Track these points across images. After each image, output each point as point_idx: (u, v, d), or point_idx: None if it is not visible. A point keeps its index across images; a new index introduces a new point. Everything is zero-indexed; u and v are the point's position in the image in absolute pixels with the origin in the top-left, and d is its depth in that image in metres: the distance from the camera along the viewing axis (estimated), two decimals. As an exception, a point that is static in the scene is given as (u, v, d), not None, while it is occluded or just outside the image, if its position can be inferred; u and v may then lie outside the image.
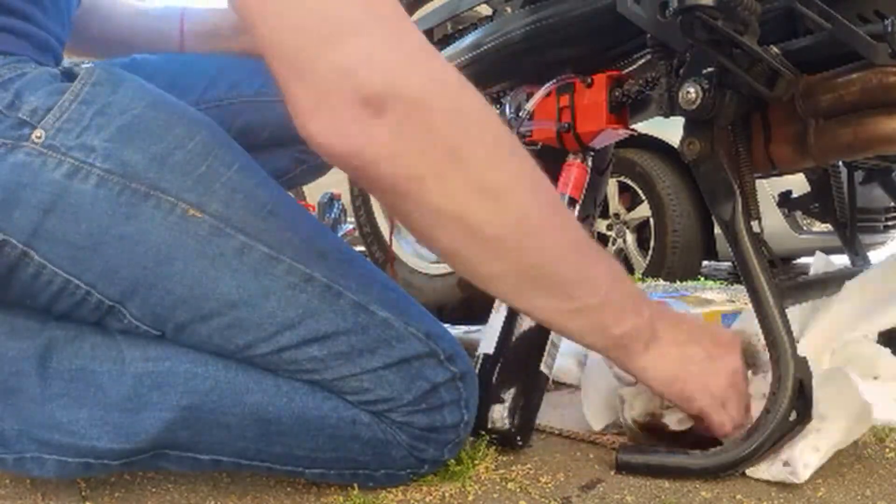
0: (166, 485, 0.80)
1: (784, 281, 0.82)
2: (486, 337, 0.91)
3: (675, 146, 0.86)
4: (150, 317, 0.72)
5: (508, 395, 0.87)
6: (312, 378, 0.73)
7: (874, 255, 1.74)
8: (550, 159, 0.99)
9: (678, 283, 2.57)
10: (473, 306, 1.40)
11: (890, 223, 3.25)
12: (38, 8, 0.79)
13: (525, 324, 0.89)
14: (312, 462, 0.75)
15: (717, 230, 2.98)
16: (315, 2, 0.60)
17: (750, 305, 0.80)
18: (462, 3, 1.19)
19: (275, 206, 0.74)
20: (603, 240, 3.38)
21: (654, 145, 3.02)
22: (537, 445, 0.89)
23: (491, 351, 0.89)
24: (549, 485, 0.77)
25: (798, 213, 2.93)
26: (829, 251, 1.08)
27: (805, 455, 0.75)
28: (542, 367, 0.90)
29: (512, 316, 0.90)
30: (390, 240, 1.54)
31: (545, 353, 0.90)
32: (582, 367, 1.04)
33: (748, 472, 0.76)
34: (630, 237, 3.30)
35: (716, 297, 1.90)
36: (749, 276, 0.79)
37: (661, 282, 2.68)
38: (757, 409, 0.78)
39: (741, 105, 0.82)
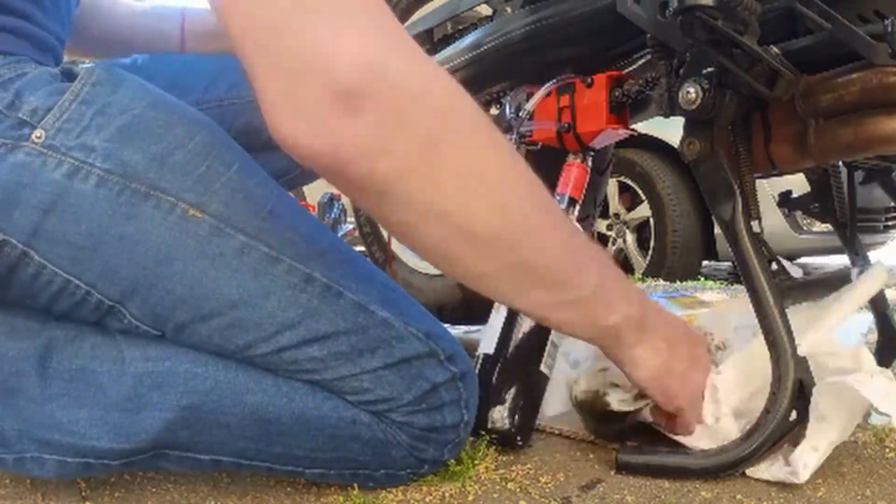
0: (166, 485, 0.80)
1: (784, 281, 0.82)
2: (486, 337, 0.91)
3: (675, 146, 0.86)
4: (150, 317, 0.72)
5: (508, 395, 0.87)
6: (312, 378, 0.73)
7: (874, 255, 1.74)
8: (550, 159, 1.00)
9: (678, 283, 2.57)
10: (473, 306, 1.40)
11: (890, 223, 3.25)
12: (38, 8, 0.78)
13: (525, 324, 0.89)
14: (312, 462, 0.75)
15: (717, 230, 2.98)
16: (287, 1, 0.57)
17: (725, 306, 0.80)
18: (462, 3, 1.19)
19: (275, 206, 0.74)
20: (603, 240, 3.38)
21: (654, 145, 3.03)
22: (537, 445, 0.89)
23: (491, 351, 0.89)
24: (549, 485, 0.77)
25: (798, 213, 2.93)
26: (829, 251, 1.08)
27: (805, 455, 0.75)
28: (542, 367, 0.90)
29: (512, 316, 0.90)
30: (390, 240, 1.54)
31: (545, 353, 0.90)
32: None
33: (748, 472, 0.76)
34: (630, 237, 3.30)
35: (715, 298, 1.91)
36: (749, 276, 0.79)
37: (661, 282, 2.68)
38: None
39: (741, 105, 0.82)
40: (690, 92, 0.81)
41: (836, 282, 0.91)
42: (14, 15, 0.76)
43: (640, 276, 3.02)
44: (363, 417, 0.73)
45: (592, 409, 0.86)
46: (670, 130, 2.07)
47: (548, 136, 1.00)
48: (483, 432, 0.85)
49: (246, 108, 1.05)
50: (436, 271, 1.54)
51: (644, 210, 3.21)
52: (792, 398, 0.75)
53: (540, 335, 0.90)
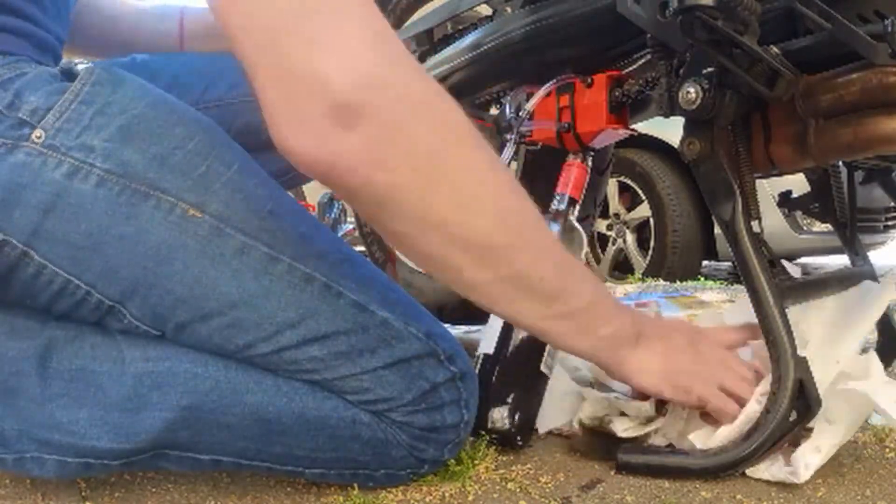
0: (166, 485, 0.80)
1: (784, 281, 0.82)
2: (486, 337, 0.91)
3: (675, 146, 0.86)
4: (150, 317, 0.72)
5: (508, 395, 0.87)
6: (312, 378, 0.73)
7: (874, 255, 1.74)
8: (550, 159, 1.00)
9: (678, 283, 2.57)
10: (473, 306, 1.40)
11: (890, 223, 3.25)
12: (38, 7, 0.79)
13: (525, 324, 0.89)
14: (312, 462, 0.75)
15: (717, 230, 2.98)
16: (285, 2, 0.58)
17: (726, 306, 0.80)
18: (462, 3, 1.19)
19: (275, 206, 0.74)
20: (603, 240, 3.39)
21: (654, 145, 3.02)
22: (537, 445, 0.89)
23: (491, 351, 0.89)
24: (549, 485, 0.77)
25: (798, 213, 2.93)
26: (829, 251, 1.08)
27: (807, 455, 0.75)
28: (542, 367, 0.90)
29: (512, 316, 0.90)
30: (390, 240, 1.53)
31: (545, 353, 0.90)
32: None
33: (748, 472, 0.76)
34: (630, 237, 3.30)
35: (715, 298, 1.91)
36: (749, 276, 0.79)
37: (661, 282, 2.68)
38: None
39: (741, 105, 0.82)
40: (690, 92, 0.81)
41: (836, 282, 0.91)
42: (14, 15, 0.76)
43: (640, 276, 3.02)
44: (363, 417, 0.73)
45: (597, 434, 0.86)
46: (670, 130, 2.07)
47: (548, 136, 1.00)
48: (483, 432, 0.85)
49: (246, 108, 1.05)
50: (436, 271, 1.54)
51: (644, 210, 3.21)
52: (792, 398, 0.75)
53: (540, 335, 0.90)
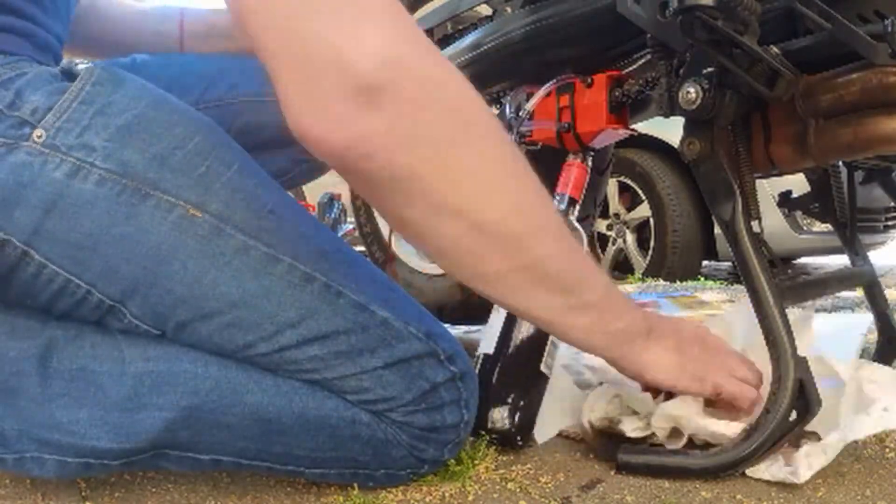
0: (166, 485, 0.80)
1: (784, 281, 0.82)
2: (486, 337, 0.91)
3: (675, 146, 0.86)
4: (150, 316, 0.72)
5: (508, 396, 0.87)
6: (312, 378, 0.73)
7: (874, 255, 1.74)
8: (550, 159, 1.00)
9: (678, 283, 2.57)
10: (473, 306, 1.40)
11: (890, 223, 3.25)
12: (39, 7, 0.79)
13: (525, 324, 0.89)
14: (312, 462, 0.75)
15: (717, 230, 2.98)
16: None
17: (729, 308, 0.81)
18: (462, 3, 1.19)
19: (275, 205, 0.74)
20: (603, 240, 3.39)
21: (654, 145, 3.02)
22: (537, 445, 0.89)
23: (491, 351, 0.89)
24: (549, 485, 0.77)
25: (798, 213, 2.93)
26: (829, 251, 1.08)
27: (811, 456, 0.74)
28: (542, 367, 0.90)
29: (512, 316, 0.90)
30: (390, 240, 1.54)
31: (545, 353, 0.90)
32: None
33: (748, 472, 0.76)
34: (630, 237, 3.30)
35: (715, 298, 1.91)
36: (749, 276, 0.79)
37: (661, 282, 2.68)
38: None
39: (741, 105, 0.82)
40: (690, 92, 0.81)
41: (836, 282, 0.91)
42: (14, 15, 0.76)
43: (640, 276, 3.02)
44: (363, 417, 0.73)
45: (608, 436, 0.85)
46: (670, 130, 2.08)
47: (548, 136, 1.00)
48: (483, 432, 0.85)
49: (246, 108, 1.05)
50: (437, 271, 1.55)
51: (644, 210, 3.21)
52: (792, 398, 0.75)
53: (540, 335, 0.90)
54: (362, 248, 1.76)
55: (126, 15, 1.15)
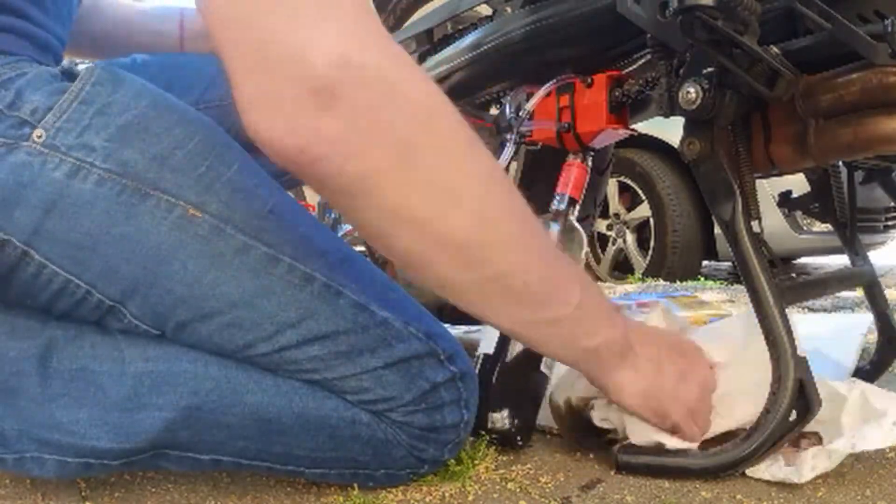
0: (166, 485, 0.80)
1: (784, 281, 0.82)
2: (486, 337, 0.91)
3: (675, 146, 0.86)
4: (150, 316, 0.72)
5: (508, 395, 0.87)
6: (312, 378, 0.73)
7: (874, 255, 1.74)
8: (550, 159, 1.00)
9: (678, 283, 2.57)
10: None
11: (890, 223, 3.25)
12: (39, 8, 0.79)
13: (525, 324, 0.89)
14: (312, 462, 0.75)
15: (717, 230, 2.98)
16: None
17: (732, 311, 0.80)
18: (462, 3, 1.19)
19: (275, 205, 0.74)
20: (603, 240, 3.39)
21: (654, 145, 3.03)
22: (537, 445, 0.89)
23: (491, 351, 0.89)
24: (549, 485, 0.77)
25: (798, 213, 2.93)
26: (829, 251, 1.08)
27: (817, 458, 0.74)
28: (542, 367, 0.90)
29: (512, 316, 0.90)
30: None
31: (545, 353, 0.90)
32: None
33: (748, 472, 0.76)
34: (630, 237, 3.30)
35: (715, 298, 1.91)
36: (749, 276, 0.79)
37: (661, 282, 2.68)
38: None
39: (741, 105, 0.82)
40: (690, 92, 0.81)
41: (836, 282, 0.91)
42: (14, 15, 0.76)
43: (640, 276, 3.02)
44: (363, 417, 0.73)
45: (577, 416, 0.85)
46: (670, 130, 2.08)
47: (548, 136, 1.00)
48: (483, 432, 0.85)
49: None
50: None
51: (644, 210, 3.21)
52: (792, 398, 0.74)
53: (540, 335, 0.90)
54: (362, 248, 1.75)
55: (127, 16, 1.15)
